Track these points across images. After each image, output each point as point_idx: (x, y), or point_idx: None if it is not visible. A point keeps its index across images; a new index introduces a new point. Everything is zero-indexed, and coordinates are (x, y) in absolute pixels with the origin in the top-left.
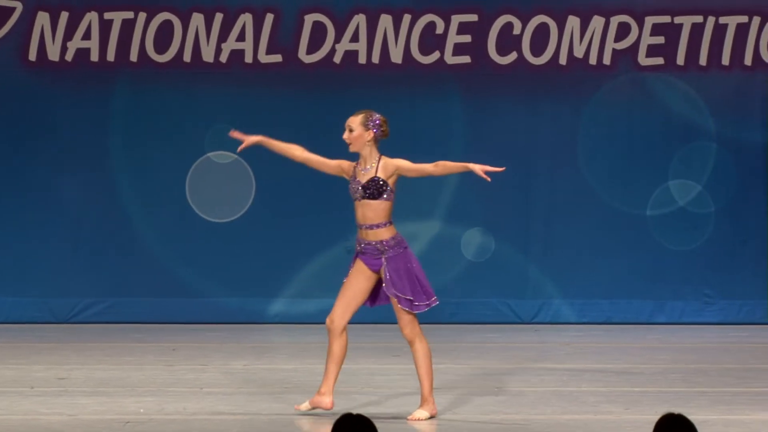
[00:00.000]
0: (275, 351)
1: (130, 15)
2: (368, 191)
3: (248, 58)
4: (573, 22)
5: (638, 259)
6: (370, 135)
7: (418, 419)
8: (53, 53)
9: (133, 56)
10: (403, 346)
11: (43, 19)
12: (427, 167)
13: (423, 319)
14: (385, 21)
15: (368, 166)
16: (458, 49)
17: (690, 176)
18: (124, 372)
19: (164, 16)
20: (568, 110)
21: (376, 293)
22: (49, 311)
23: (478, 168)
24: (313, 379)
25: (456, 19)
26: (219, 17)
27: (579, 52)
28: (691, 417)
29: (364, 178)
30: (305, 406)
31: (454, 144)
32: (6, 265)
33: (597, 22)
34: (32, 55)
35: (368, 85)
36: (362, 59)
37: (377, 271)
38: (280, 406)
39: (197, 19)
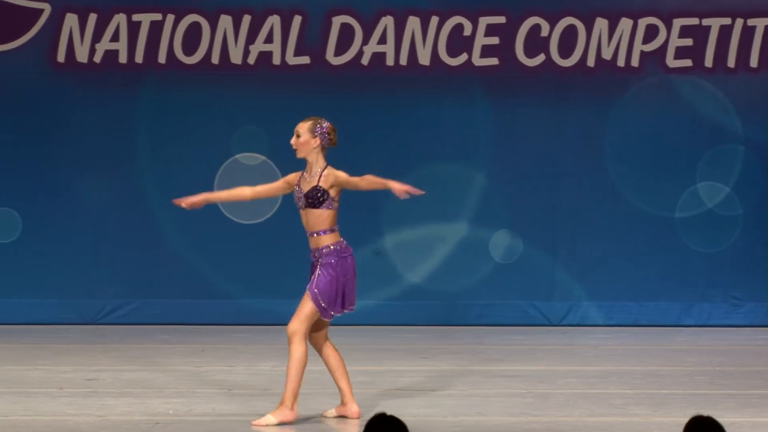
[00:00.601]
0: None
1: (158, 17)
2: (309, 200)
3: (276, 60)
4: (601, 24)
5: (666, 262)
6: (316, 142)
7: (262, 425)
8: (81, 55)
9: (161, 58)
10: (430, 348)
11: (71, 20)
12: (356, 180)
13: (448, 322)
14: (413, 23)
15: (313, 175)
16: (486, 51)
17: (718, 178)
18: (153, 373)
19: (192, 17)
20: (596, 112)
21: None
22: (74, 312)
23: (397, 187)
24: None
25: (483, 21)
26: (247, 19)
27: (607, 54)
28: (718, 420)
29: (306, 187)
30: (331, 413)
31: (480, 146)
32: (33, 267)
33: (625, 24)
34: (60, 57)
35: (395, 87)
36: (390, 61)
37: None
38: (306, 407)
39: (225, 21)
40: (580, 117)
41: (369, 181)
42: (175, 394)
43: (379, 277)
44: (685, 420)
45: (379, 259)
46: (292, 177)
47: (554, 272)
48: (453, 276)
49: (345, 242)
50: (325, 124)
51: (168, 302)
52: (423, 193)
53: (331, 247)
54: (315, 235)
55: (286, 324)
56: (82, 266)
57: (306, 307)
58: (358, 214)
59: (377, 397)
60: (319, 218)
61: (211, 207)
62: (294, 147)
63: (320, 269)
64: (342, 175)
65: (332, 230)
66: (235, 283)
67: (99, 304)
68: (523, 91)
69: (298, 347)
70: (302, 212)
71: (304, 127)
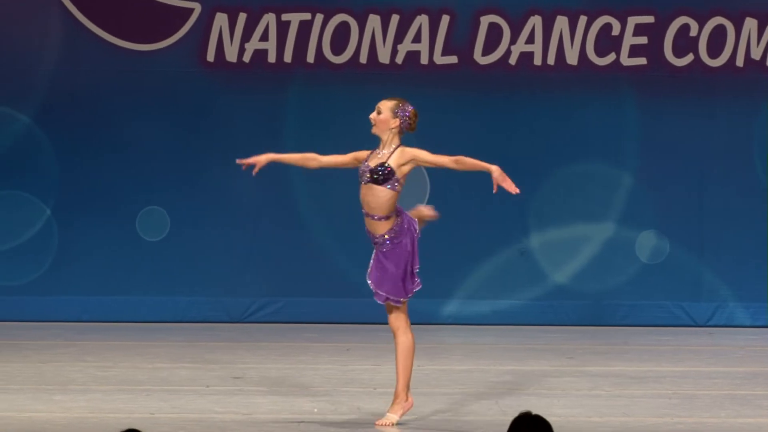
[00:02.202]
0: (449, 352)
1: (307, 16)
2: (375, 175)
3: (424, 60)
4: (750, 23)
5: None
6: (396, 123)
7: (385, 424)
8: (231, 54)
9: (310, 57)
10: (576, 348)
11: (221, 20)
12: (445, 160)
13: (594, 322)
14: (561, 22)
15: (384, 152)
16: (634, 51)
17: None
18: (299, 371)
19: (341, 17)
20: (744, 113)
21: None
22: (224, 311)
23: (497, 174)
24: (486, 379)
25: (632, 21)
26: (395, 18)
27: (756, 54)
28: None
29: (374, 162)
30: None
31: (627, 146)
32: (183, 265)
33: None
34: (210, 56)
35: (543, 87)
36: (537, 61)
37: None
38: (452, 406)
39: (373, 21)
40: (729, 117)
41: (464, 163)
42: (321, 393)
43: (525, 276)
44: None
45: (525, 259)
46: (363, 153)
47: (700, 273)
48: (599, 276)
49: (400, 221)
50: (409, 108)
51: (314, 300)
52: (518, 191)
53: (386, 236)
54: (372, 218)
55: (431, 323)
56: (231, 264)
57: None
58: (504, 214)
59: (522, 396)
60: (379, 198)
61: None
62: (372, 122)
63: (376, 258)
64: (422, 151)
65: (388, 217)
66: None
67: (246, 302)
68: (671, 91)
69: (402, 339)
70: (363, 187)
71: (386, 105)
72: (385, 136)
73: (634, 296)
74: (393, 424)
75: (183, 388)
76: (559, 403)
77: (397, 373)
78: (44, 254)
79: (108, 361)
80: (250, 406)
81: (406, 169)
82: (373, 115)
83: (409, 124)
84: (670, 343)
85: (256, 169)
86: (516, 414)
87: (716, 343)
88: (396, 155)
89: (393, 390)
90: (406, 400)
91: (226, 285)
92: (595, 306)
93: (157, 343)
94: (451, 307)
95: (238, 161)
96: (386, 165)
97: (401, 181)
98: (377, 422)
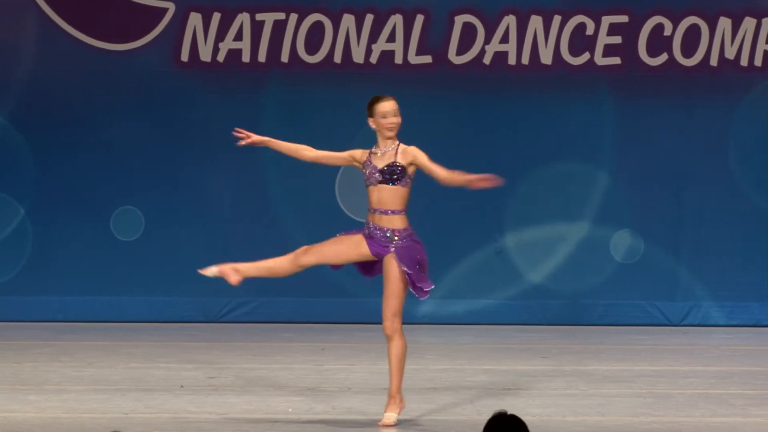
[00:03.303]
0: (424, 351)
1: (281, 16)
2: (386, 175)
3: (398, 59)
4: (724, 23)
5: None
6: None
7: (387, 425)
8: (205, 54)
9: (284, 57)
10: (551, 348)
11: (195, 20)
12: (439, 172)
13: (569, 322)
14: (535, 22)
15: (386, 150)
16: (608, 50)
17: None
18: (273, 371)
19: (315, 17)
20: (720, 112)
21: (369, 266)
22: (200, 310)
23: (476, 180)
24: (461, 378)
25: (606, 20)
26: (369, 18)
27: (730, 54)
28: None
29: (380, 163)
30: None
31: (602, 146)
32: (158, 265)
33: (748, 23)
34: (184, 56)
35: (517, 87)
36: (512, 60)
37: (376, 256)
38: (428, 406)
39: (348, 20)
40: (704, 117)
41: (452, 180)
42: (296, 393)
43: (501, 276)
44: None
45: (500, 258)
46: (359, 153)
47: (676, 272)
48: (574, 275)
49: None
50: None
51: (290, 300)
52: (500, 182)
53: (405, 232)
54: (388, 213)
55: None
56: (205, 264)
57: (387, 306)
58: (480, 213)
59: (498, 396)
60: (394, 196)
61: (332, 205)
62: (395, 127)
63: (397, 260)
64: (422, 155)
65: (404, 211)
66: (357, 281)
67: (221, 302)
68: (646, 91)
69: (397, 343)
70: (373, 189)
71: (397, 108)
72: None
73: (609, 296)
74: (395, 423)
75: (158, 388)
76: (535, 403)
77: (391, 375)
78: (19, 254)
79: (83, 361)
80: (225, 406)
81: (411, 168)
82: (393, 119)
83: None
84: (645, 342)
85: (243, 142)
86: (491, 414)
87: (691, 342)
88: (401, 153)
89: (368, 389)
90: (401, 401)
91: (201, 284)
92: (571, 305)
93: (133, 343)
94: (426, 307)
95: (236, 130)
96: (396, 163)
97: (411, 176)
98: (380, 423)
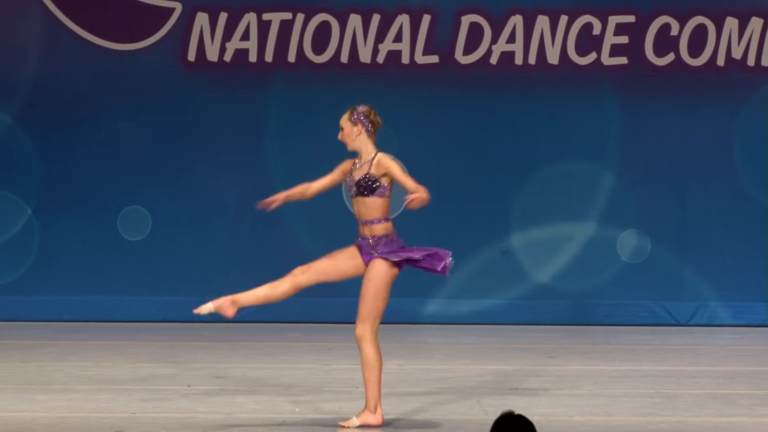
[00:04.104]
0: (430, 351)
1: (288, 16)
2: (360, 188)
3: (405, 59)
4: (731, 23)
5: None
6: (358, 129)
7: (343, 426)
8: (212, 54)
9: (291, 57)
10: (558, 348)
11: (202, 19)
12: (408, 184)
13: (575, 321)
14: (542, 22)
15: (363, 162)
16: (615, 50)
17: None
18: (280, 371)
19: (322, 17)
20: (726, 112)
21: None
22: None
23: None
24: (468, 378)
25: (613, 20)
26: (376, 18)
27: (737, 54)
28: None
29: (357, 175)
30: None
31: (609, 145)
32: (164, 265)
33: (755, 23)
34: (191, 56)
35: (524, 86)
36: (518, 60)
37: (366, 264)
38: (435, 406)
39: (354, 20)
40: (710, 116)
41: (418, 190)
42: (303, 393)
43: (507, 276)
44: None
45: (507, 258)
46: (346, 165)
47: (682, 272)
48: (580, 275)
49: (396, 233)
50: (360, 108)
51: (296, 300)
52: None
53: (385, 238)
54: (368, 224)
55: (413, 323)
56: (211, 264)
57: (360, 311)
58: (486, 213)
59: (504, 396)
60: (372, 207)
61: (339, 205)
62: (343, 141)
63: (383, 257)
64: (395, 168)
65: (386, 219)
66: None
67: None
68: (652, 91)
69: (368, 352)
70: (354, 201)
71: (344, 119)
72: (358, 146)
73: (615, 295)
74: (353, 426)
75: (164, 387)
76: (541, 403)
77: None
78: (25, 254)
79: (89, 360)
80: (232, 406)
81: (386, 179)
82: (339, 136)
83: (371, 122)
84: (651, 342)
85: (272, 207)
86: (498, 413)
87: (698, 342)
88: (375, 164)
89: None
90: (375, 412)
91: (207, 284)
92: (577, 305)
93: (139, 343)
94: (432, 307)
95: (259, 204)
96: (369, 175)
97: (389, 186)
98: (340, 422)
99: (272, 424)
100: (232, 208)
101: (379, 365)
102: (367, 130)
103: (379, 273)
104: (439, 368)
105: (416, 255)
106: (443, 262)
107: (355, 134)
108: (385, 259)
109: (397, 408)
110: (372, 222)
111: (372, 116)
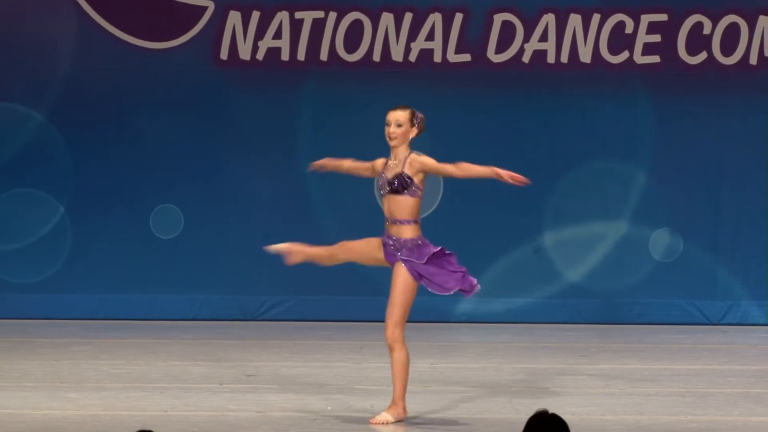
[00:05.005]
0: (463, 350)
1: (320, 14)
2: (393, 186)
3: (437, 58)
4: (764, 21)
5: None
6: (414, 132)
7: (380, 422)
8: (244, 52)
9: (323, 55)
10: (589, 346)
11: (234, 18)
12: (448, 168)
13: (607, 320)
14: (574, 20)
15: (397, 161)
16: (647, 49)
17: None
18: (312, 369)
19: (354, 15)
20: (759, 110)
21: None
22: (237, 308)
23: (504, 174)
24: (500, 377)
25: (645, 19)
26: (408, 17)
27: None
28: None
29: (390, 173)
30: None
31: (641, 144)
32: (196, 263)
33: None
34: (223, 54)
35: (556, 85)
36: (551, 59)
37: (389, 263)
38: (467, 404)
39: (387, 19)
40: (742, 115)
41: (466, 170)
42: (335, 391)
43: (539, 275)
44: None
45: (539, 257)
46: (379, 163)
47: (715, 271)
48: (613, 274)
49: (423, 237)
50: (419, 114)
51: (328, 298)
52: (529, 182)
53: (411, 242)
54: (397, 223)
55: (446, 321)
56: (245, 262)
57: (389, 315)
58: (518, 212)
59: (536, 395)
60: (402, 206)
61: (371, 203)
62: (393, 136)
63: (406, 266)
64: (429, 161)
65: (415, 221)
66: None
67: (259, 300)
68: (684, 90)
69: (398, 354)
70: (384, 199)
71: (404, 117)
72: (401, 146)
73: (648, 294)
74: (385, 423)
75: (196, 385)
76: (573, 402)
77: (393, 382)
78: (58, 252)
79: (122, 358)
80: (264, 404)
81: (419, 177)
82: (393, 130)
83: (421, 129)
84: (684, 341)
85: (320, 168)
86: (530, 412)
87: (730, 341)
88: (408, 164)
89: (409, 387)
90: (403, 409)
91: (239, 282)
92: (609, 304)
93: (171, 341)
94: (465, 305)
95: (311, 165)
96: (403, 174)
97: (421, 186)
98: (371, 419)
99: (304, 422)
100: (265, 205)
101: (408, 362)
102: (416, 135)
103: (402, 280)
104: (470, 367)
105: (434, 277)
106: (461, 284)
107: (410, 136)
108: (408, 266)
109: (429, 406)
110: (401, 222)
111: (423, 124)
